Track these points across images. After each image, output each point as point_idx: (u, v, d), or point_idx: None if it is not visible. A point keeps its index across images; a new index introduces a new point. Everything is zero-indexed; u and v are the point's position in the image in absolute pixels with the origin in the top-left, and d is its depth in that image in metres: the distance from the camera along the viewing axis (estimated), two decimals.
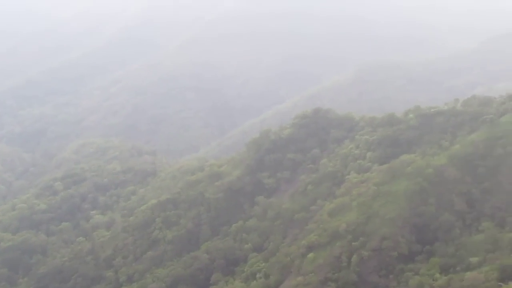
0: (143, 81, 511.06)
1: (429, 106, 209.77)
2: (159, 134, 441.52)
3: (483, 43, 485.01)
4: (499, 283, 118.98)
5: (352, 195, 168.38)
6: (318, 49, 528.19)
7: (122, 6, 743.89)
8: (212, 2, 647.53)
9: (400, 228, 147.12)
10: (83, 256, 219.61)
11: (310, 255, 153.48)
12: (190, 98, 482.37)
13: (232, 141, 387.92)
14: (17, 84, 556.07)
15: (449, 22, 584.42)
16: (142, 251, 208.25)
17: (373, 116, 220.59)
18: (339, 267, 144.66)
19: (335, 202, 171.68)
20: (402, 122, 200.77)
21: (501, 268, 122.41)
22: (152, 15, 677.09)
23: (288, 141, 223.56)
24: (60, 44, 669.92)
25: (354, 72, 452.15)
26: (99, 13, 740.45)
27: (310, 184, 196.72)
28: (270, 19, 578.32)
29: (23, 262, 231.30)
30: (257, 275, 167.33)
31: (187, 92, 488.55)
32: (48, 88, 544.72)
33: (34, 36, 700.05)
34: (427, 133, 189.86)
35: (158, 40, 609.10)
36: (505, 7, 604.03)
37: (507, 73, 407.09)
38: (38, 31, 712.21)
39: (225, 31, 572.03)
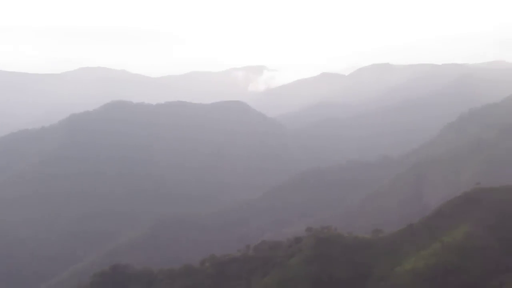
0: None
1: (224, 254, 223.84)
2: None
3: (267, 193, 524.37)
4: None
5: None
6: (112, 206, 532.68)
7: None
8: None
9: None
10: None
11: None
12: None
13: None
14: None
15: (234, 178, 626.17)
16: None
17: (171, 268, 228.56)
18: None
19: None
20: (199, 272, 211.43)
21: None
22: None
23: None
24: None
25: (149, 227, 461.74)
26: None
27: None
28: (63, 180, 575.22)
29: None
30: None
31: None
32: None
33: None
34: (224, 280, 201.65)
35: None
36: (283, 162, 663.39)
37: (291, 218, 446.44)
38: None
39: (15, 194, 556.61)
